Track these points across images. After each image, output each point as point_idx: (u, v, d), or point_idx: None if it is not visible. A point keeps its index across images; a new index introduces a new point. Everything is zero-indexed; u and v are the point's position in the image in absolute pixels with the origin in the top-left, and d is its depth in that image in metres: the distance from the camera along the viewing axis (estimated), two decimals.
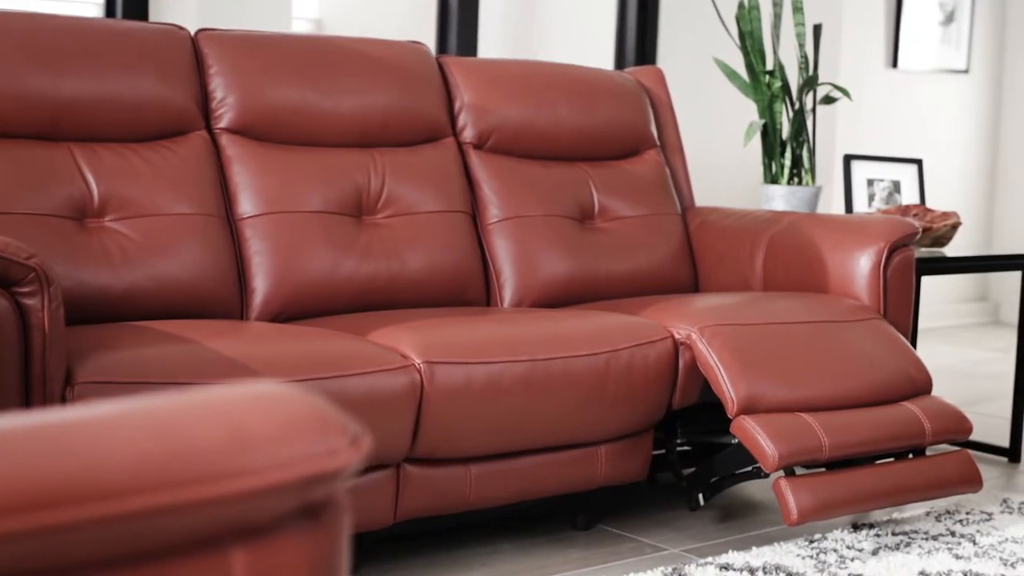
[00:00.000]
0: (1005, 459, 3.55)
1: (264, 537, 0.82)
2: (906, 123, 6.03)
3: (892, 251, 2.95)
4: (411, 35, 3.67)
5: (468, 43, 4.95)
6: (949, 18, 6.10)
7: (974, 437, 3.59)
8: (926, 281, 5.75)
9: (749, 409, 2.57)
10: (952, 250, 3.66)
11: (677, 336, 2.68)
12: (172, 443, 0.78)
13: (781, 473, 2.63)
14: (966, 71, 6.24)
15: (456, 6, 4.91)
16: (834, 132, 5.56)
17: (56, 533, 0.72)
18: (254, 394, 0.84)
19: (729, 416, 2.59)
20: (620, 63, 5.56)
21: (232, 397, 0.83)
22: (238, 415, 0.81)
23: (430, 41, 4.95)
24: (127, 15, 3.98)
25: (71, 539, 0.74)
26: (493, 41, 5.71)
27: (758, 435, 2.51)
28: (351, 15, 6.52)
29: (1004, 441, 3.61)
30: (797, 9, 3.61)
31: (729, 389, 2.58)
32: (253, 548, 0.82)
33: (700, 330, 2.66)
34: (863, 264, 2.95)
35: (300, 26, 6.33)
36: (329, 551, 0.86)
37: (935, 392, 3.10)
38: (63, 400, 1.98)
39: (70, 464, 0.74)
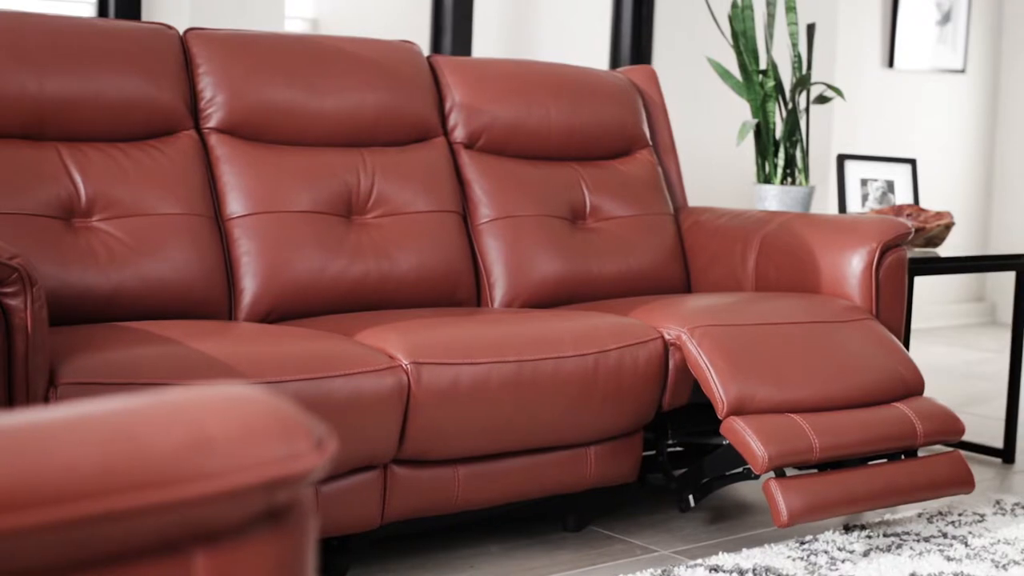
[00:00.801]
0: (999, 460, 3.54)
1: (226, 541, 0.81)
2: (902, 123, 6.02)
3: (884, 251, 2.94)
4: (406, 35, 3.65)
5: (463, 43, 4.94)
6: (945, 18, 6.08)
7: (968, 438, 3.58)
8: (923, 281, 5.74)
9: (739, 410, 2.56)
10: (948, 250, 3.65)
11: (667, 337, 2.67)
12: (131, 446, 0.76)
13: (771, 474, 2.61)
14: (962, 71, 6.23)
15: (451, 5, 4.90)
16: (830, 132, 5.55)
17: (12, 537, 0.71)
18: (216, 396, 0.83)
19: (719, 417, 2.58)
20: (615, 62, 5.55)
21: (193, 399, 0.82)
22: (199, 417, 0.80)
23: (425, 41, 4.93)
24: (120, 14, 3.97)
25: (28, 543, 0.72)
26: (488, 40, 5.70)
27: (748, 436, 2.50)
28: (347, 15, 6.50)
29: (998, 442, 3.60)
30: (790, 8, 3.60)
31: (719, 390, 2.57)
32: (215, 552, 0.81)
33: (690, 331, 2.65)
34: (855, 264, 2.94)
35: (296, 25, 6.32)
36: (293, 555, 0.85)
37: (929, 393, 3.09)
38: (46, 401, 1.97)
39: (27, 467, 0.73)
